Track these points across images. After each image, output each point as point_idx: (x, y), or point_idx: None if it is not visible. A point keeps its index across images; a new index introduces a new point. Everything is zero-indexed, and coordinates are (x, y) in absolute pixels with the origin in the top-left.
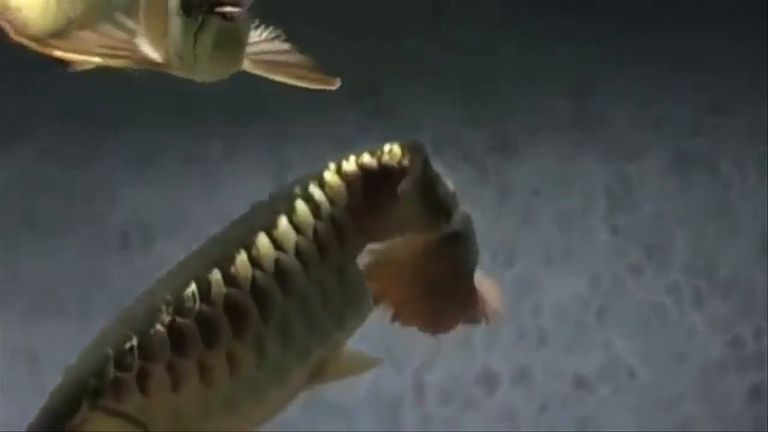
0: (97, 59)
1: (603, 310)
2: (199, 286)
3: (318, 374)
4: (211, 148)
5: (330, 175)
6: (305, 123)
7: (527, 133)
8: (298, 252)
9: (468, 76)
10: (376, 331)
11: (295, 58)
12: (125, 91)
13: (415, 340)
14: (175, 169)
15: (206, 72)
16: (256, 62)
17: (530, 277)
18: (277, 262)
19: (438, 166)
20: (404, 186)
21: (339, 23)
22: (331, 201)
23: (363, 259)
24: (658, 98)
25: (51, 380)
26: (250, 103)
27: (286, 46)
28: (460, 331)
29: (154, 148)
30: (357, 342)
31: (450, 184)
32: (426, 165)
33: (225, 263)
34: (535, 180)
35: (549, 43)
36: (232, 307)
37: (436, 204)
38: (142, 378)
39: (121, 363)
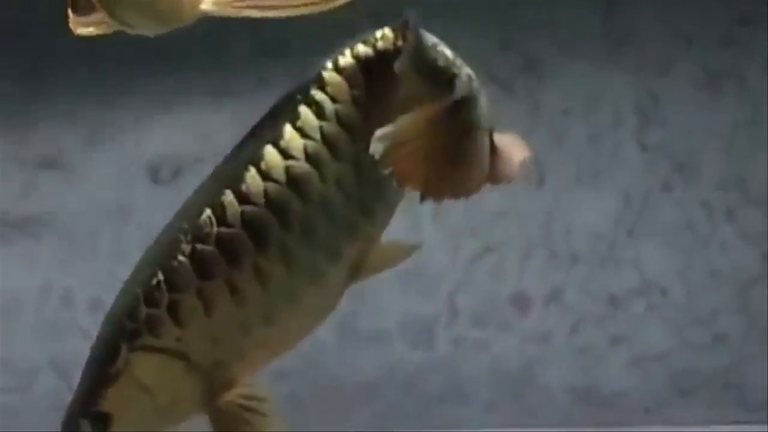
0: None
1: (635, 229)
2: (213, 210)
3: (357, 270)
4: (240, 82)
5: (328, 74)
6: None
7: (555, 51)
8: (308, 156)
9: None
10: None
11: None
12: None
13: (446, 265)
14: (204, 104)
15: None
16: (224, 5)
17: (561, 197)
18: (287, 170)
19: (433, 37)
20: (400, 64)
21: None
22: (333, 99)
23: (375, 147)
24: (687, 12)
25: (85, 318)
26: (278, 36)
27: None
28: (488, 189)
29: (182, 83)
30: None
31: (447, 51)
32: (418, 39)
33: (235, 183)
34: (565, 99)
35: None
36: (249, 224)
37: (435, 74)
38: (174, 310)
39: (150, 299)
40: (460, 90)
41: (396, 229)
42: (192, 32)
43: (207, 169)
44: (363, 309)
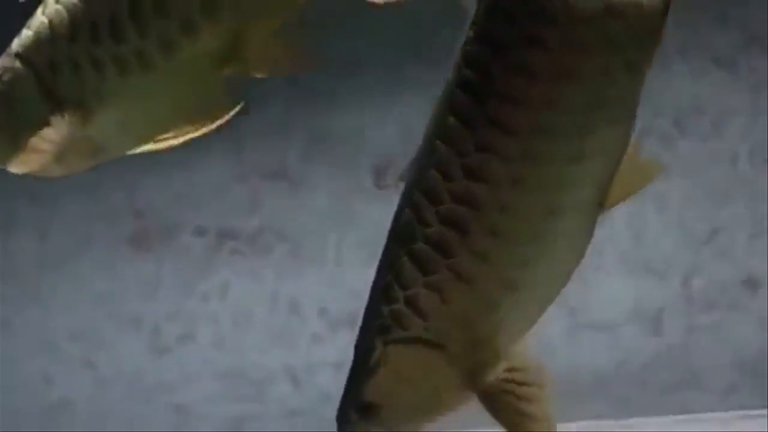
0: None
1: None
2: (414, 213)
3: (603, 199)
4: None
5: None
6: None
7: None
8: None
9: None
10: (634, 246)
11: None
12: (365, 28)
13: (674, 250)
14: (418, 104)
15: None
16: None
17: None
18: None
19: None
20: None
21: None
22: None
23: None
24: None
25: (313, 324)
26: None
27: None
28: None
29: (395, 84)
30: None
31: None
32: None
33: (424, 186)
34: None
35: None
36: (445, 218)
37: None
38: (412, 303)
39: (389, 298)
40: None
41: (618, 220)
42: (401, 34)
43: None
44: (592, 299)
